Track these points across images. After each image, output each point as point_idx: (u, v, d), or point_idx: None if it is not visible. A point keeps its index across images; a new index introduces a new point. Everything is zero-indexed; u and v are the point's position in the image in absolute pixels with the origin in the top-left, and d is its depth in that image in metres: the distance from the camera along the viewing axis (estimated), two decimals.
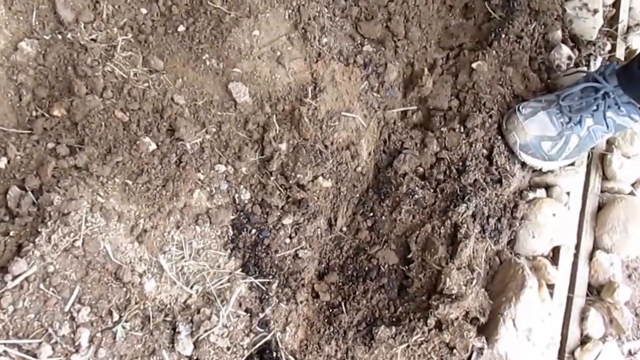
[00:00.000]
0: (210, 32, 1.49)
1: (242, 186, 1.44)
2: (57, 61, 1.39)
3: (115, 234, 1.29)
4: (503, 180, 1.58)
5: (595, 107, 1.59)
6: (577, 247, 1.65)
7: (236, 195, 1.43)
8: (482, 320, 1.41)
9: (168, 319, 1.28)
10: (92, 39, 1.41)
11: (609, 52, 1.86)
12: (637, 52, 1.63)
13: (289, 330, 1.37)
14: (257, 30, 1.51)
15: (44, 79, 1.39)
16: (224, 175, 1.43)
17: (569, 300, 1.60)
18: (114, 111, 1.36)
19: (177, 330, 1.27)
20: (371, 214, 1.57)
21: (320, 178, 1.47)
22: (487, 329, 1.42)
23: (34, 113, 1.37)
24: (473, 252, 1.50)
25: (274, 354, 1.35)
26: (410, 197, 1.55)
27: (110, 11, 1.45)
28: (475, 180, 1.56)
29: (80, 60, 1.38)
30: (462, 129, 1.62)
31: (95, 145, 1.33)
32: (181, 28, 1.49)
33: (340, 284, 1.51)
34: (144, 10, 1.49)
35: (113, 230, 1.29)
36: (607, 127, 1.61)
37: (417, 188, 1.56)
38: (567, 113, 1.60)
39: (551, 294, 1.56)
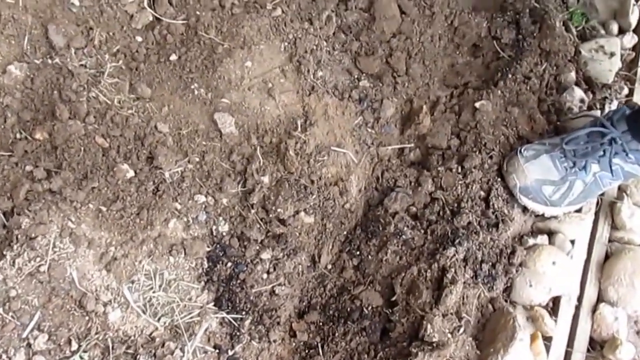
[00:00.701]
0: (202, 62, 1.48)
1: (221, 218, 1.41)
2: (44, 85, 1.40)
3: (84, 260, 1.27)
4: (500, 225, 1.50)
5: (601, 153, 1.51)
6: (580, 298, 1.56)
7: (214, 227, 1.40)
8: None
9: (130, 351, 1.25)
10: (82, 65, 1.42)
11: (626, 96, 1.78)
12: None
13: None
14: (250, 61, 1.49)
15: (30, 103, 1.40)
16: (203, 206, 1.40)
17: (568, 355, 1.51)
18: (95, 137, 1.36)
19: None
20: (358, 253, 1.52)
21: (302, 213, 1.43)
22: None
23: (17, 135, 1.37)
24: (463, 299, 1.43)
25: None
26: (398, 237, 1.49)
27: (104, 38, 1.46)
28: (469, 222, 1.49)
29: (65, 85, 1.38)
30: (459, 169, 1.56)
31: (73, 170, 1.32)
32: (173, 57, 1.48)
33: (321, 324, 1.45)
34: (139, 38, 1.49)
35: (82, 256, 1.27)
36: (613, 174, 1.53)
37: (405, 228, 1.50)
38: (572, 157, 1.52)
39: (548, 348, 1.48)
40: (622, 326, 1.54)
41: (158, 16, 1.51)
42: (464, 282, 1.43)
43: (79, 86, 1.39)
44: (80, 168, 1.33)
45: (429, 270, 1.43)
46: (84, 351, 1.21)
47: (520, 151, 1.54)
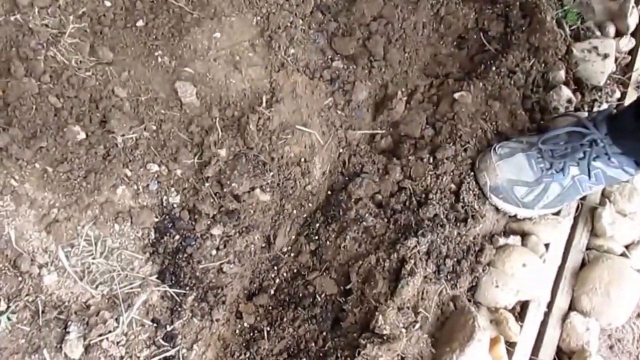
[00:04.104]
0: (169, 30, 1.43)
1: (173, 189, 1.35)
2: (3, 41, 1.35)
3: (24, 220, 1.23)
4: (469, 220, 1.43)
5: (581, 155, 1.43)
6: (550, 305, 1.49)
7: (165, 198, 1.35)
8: None
9: (62, 316, 1.20)
10: (44, 24, 1.37)
11: (618, 100, 1.70)
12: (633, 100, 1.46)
13: (196, 349, 1.27)
14: (219, 32, 1.44)
15: None
16: (156, 175, 1.35)
17: None
18: (48, 96, 1.31)
19: (67, 330, 1.19)
20: (316, 237, 1.46)
21: (258, 190, 1.37)
22: None
23: None
24: (422, 294, 1.36)
25: None
26: (359, 223, 1.42)
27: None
28: (436, 215, 1.42)
29: (24, 43, 1.34)
30: (431, 160, 1.49)
31: (22, 128, 1.27)
32: (140, 23, 1.43)
33: (270, 307, 1.40)
34: (108, 3, 1.45)
35: (22, 216, 1.23)
36: (596, 178, 1.45)
37: (367, 215, 1.43)
38: (549, 158, 1.44)
39: (512, 354, 1.41)
40: (593, 338, 1.46)
41: None
42: (425, 277, 1.36)
43: (38, 44, 1.34)
44: (30, 126, 1.29)
45: (387, 260, 1.37)
46: (12, 312, 1.17)
47: (494, 148, 1.47)
